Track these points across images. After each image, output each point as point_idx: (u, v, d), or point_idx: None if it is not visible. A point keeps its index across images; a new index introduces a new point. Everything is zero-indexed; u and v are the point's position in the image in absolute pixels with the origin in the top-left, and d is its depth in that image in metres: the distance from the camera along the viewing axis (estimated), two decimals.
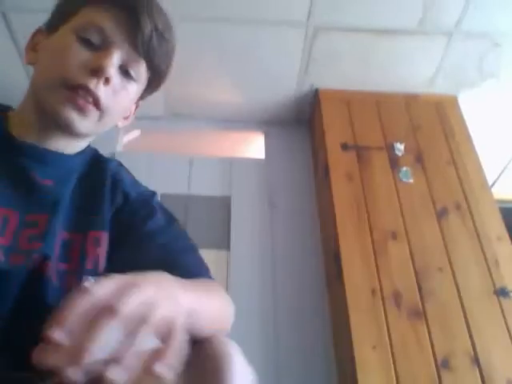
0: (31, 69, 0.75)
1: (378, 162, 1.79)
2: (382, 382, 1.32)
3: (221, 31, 1.76)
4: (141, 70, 0.72)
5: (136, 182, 0.83)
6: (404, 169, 1.77)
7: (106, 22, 0.68)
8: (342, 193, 1.70)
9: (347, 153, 1.81)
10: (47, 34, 0.72)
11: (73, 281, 0.66)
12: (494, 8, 1.69)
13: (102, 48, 0.67)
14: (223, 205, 1.95)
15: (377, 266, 1.53)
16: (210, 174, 2.03)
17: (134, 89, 0.73)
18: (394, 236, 1.60)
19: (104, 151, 0.84)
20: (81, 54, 0.66)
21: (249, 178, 2.03)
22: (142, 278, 0.46)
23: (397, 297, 1.47)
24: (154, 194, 0.82)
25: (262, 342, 1.61)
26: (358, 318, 1.42)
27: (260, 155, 2.15)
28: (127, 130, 2.12)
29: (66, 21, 0.70)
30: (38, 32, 0.75)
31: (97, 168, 0.78)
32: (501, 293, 1.49)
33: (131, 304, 0.40)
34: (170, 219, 0.79)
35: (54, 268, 0.64)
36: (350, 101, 1.97)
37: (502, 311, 1.45)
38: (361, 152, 1.81)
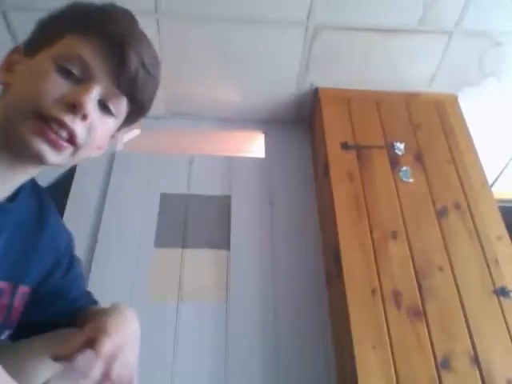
0: None
1: (378, 162, 1.79)
2: (381, 381, 1.32)
3: (221, 30, 1.75)
4: (121, 106, 0.68)
5: (64, 232, 0.83)
6: (404, 168, 1.77)
7: (90, 53, 0.63)
8: (342, 192, 1.70)
9: (347, 152, 1.80)
10: (25, 55, 0.67)
11: None
12: (494, 7, 1.69)
13: (82, 81, 0.63)
14: (223, 204, 1.94)
15: (377, 265, 1.53)
16: (210, 173, 2.03)
17: (112, 123, 0.69)
18: (394, 235, 1.60)
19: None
20: (59, 86, 0.61)
21: (249, 177, 2.03)
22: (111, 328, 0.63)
23: (397, 296, 1.47)
24: (73, 244, 0.84)
25: (261, 342, 1.61)
26: (357, 317, 1.42)
27: (260, 154, 2.15)
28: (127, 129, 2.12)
29: (48, 45, 0.65)
30: (15, 50, 0.70)
31: (36, 215, 0.74)
32: (501, 292, 1.49)
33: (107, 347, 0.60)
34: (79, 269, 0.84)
35: None
36: (350, 100, 1.97)
37: (502, 311, 1.45)
38: (361, 151, 1.81)
